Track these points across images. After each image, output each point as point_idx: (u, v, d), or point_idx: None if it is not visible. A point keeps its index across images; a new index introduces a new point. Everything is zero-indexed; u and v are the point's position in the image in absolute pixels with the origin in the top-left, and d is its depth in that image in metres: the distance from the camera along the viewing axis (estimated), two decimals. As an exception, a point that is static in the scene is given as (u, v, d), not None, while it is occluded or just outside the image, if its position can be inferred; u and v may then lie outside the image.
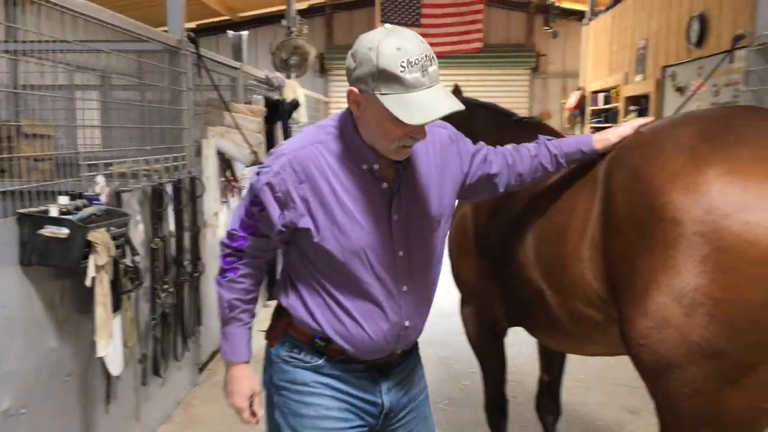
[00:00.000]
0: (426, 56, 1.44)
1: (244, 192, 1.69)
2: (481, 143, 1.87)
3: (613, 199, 1.79)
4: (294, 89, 6.20)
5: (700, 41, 4.90)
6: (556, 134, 2.65)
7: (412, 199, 1.63)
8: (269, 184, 1.55)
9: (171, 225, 3.38)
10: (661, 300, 1.59)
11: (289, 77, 6.42)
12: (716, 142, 1.64)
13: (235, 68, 4.83)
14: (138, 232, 2.95)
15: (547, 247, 2.06)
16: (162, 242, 3.21)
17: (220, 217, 4.10)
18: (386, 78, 1.42)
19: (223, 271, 1.68)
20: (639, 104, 6.52)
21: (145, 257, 3.03)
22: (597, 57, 8.23)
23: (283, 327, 1.71)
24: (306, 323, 1.64)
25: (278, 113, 5.25)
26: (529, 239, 2.14)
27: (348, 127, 1.58)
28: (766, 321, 1.48)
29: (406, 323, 1.66)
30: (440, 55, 7.75)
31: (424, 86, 1.43)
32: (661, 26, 5.80)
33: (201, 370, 4.03)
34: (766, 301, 1.47)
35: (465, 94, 3.69)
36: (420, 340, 1.81)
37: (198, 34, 3.92)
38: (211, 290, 4.10)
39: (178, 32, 3.66)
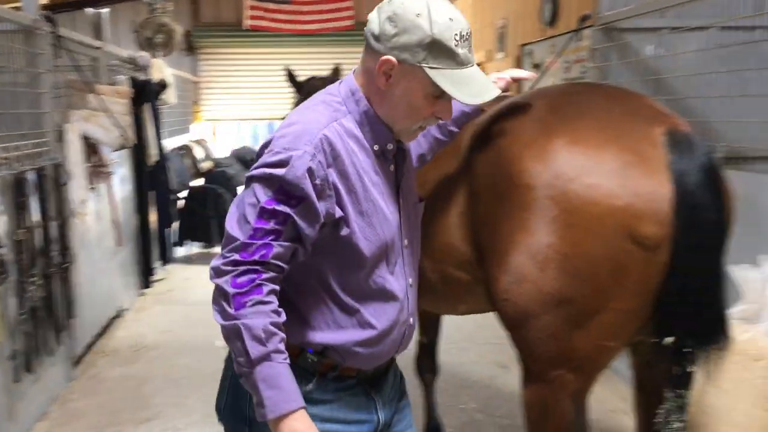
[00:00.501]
0: (470, 31, 1.34)
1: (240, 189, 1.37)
2: None
3: (476, 169, 1.95)
4: (161, 69, 6.00)
5: (553, 21, 5.26)
6: None
7: (407, 183, 1.53)
8: (310, 171, 1.28)
9: (36, 215, 3.23)
10: (519, 258, 1.77)
11: (155, 56, 6.20)
12: (562, 115, 1.84)
13: (96, 48, 4.62)
14: (0, 224, 2.81)
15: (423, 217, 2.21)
16: (27, 233, 3.07)
17: (88, 204, 3.95)
18: (439, 50, 1.29)
19: (240, 297, 1.26)
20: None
21: (9, 249, 2.89)
22: (462, 35, 8.58)
23: None
24: (297, 336, 1.39)
25: (145, 94, 5.09)
26: None
27: (360, 102, 1.39)
28: (606, 271, 1.70)
29: (411, 320, 1.53)
30: (311, 33, 7.74)
31: (470, 63, 1.33)
32: (518, 6, 6.15)
33: (76, 363, 3.89)
34: (606, 253, 1.69)
35: (343, 73, 3.76)
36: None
37: (52, 11, 3.72)
38: (83, 279, 3.95)
39: (33, 10, 3.46)
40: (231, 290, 1.26)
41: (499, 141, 1.89)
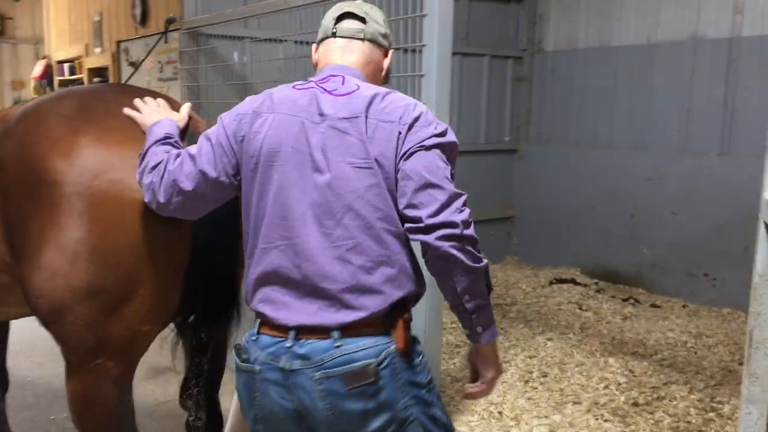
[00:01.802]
0: None
1: None
2: None
3: (4, 167, 1.91)
4: None
5: (144, 20, 5.27)
6: None
7: None
8: None
9: None
10: (50, 254, 1.81)
11: None
12: (89, 114, 1.92)
13: None
14: None
15: None
16: None
17: None
18: None
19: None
20: (102, 76, 6.63)
21: None
22: (59, 26, 7.96)
23: (403, 321, 1.59)
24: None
25: None
26: None
27: None
28: (130, 259, 1.84)
29: None
30: None
31: None
32: (111, 2, 5.99)
33: None
34: (129, 243, 1.83)
35: None
36: None
37: None
38: None
39: None
40: (476, 236, 1.50)
41: (25, 139, 1.90)
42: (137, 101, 1.95)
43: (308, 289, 1.53)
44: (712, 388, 3.57)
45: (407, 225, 1.51)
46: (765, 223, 1.40)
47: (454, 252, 1.46)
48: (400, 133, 1.53)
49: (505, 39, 6.58)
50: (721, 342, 4.29)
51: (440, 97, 2.65)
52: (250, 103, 1.66)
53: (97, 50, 6.43)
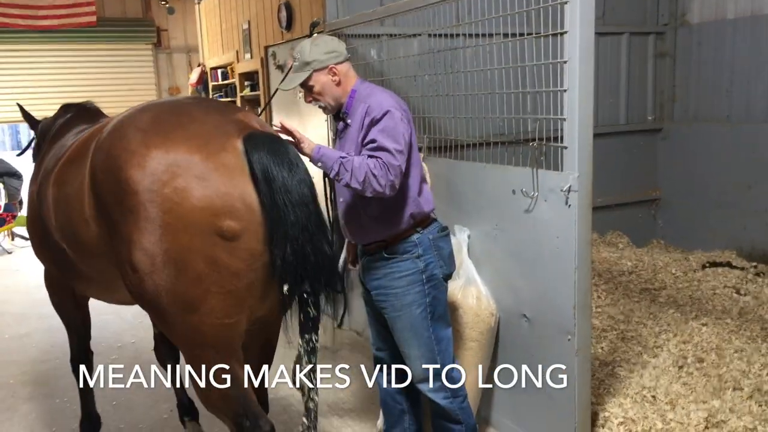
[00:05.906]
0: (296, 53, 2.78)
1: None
2: None
3: (96, 175, 2.15)
4: None
5: (289, 25, 5.60)
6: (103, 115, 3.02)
7: None
8: None
9: None
10: (138, 256, 2.01)
11: None
12: (162, 127, 2.10)
13: None
14: None
15: (62, 214, 2.37)
16: None
17: None
18: None
19: None
20: (252, 79, 7.12)
21: None
22: (211, 35, 8.61)
23: None
24: None
25: None
26: (51, 208, 2.44)
27: None
28: (201, 261, 1.98)
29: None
30: (48, 29, 7.31)
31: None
32: (258, 10, 6.41)
33: None
34: (198, 246, 1.98)
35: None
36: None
37: None
38: None
39: None
40: None
41: (111, 150, 2.12)
42: (284, 122, 2.38)
43: None
44: None
45: None
46: None
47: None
48: None
49: (644, 15, 6.32)
50: None
51: (584, 83, 2.65)
52: (399, 102, 2.60)
53: (247, 56, 6.92)
